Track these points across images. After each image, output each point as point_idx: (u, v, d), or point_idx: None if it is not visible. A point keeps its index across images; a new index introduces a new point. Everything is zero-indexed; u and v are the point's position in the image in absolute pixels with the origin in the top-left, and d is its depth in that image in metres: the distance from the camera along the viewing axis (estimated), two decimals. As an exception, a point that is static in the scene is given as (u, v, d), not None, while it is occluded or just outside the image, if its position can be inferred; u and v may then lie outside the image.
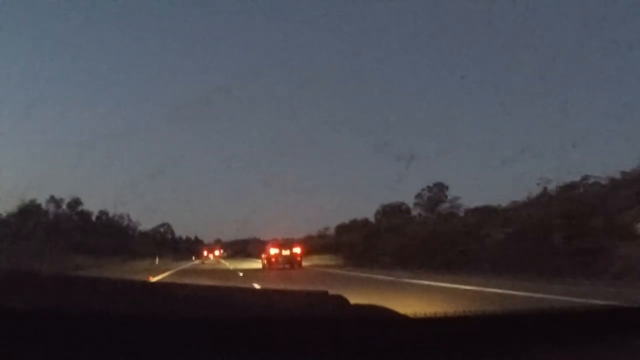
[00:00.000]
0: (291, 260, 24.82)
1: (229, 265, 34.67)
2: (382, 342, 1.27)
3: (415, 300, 9.61)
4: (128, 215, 58.05)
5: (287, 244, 26.74)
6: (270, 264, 25.12)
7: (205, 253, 62.54)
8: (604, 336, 1.45)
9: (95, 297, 1.32)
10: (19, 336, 1.18)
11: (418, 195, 46.26)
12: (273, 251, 25.41)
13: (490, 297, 9.94)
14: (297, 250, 25.62)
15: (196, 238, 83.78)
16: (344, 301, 1.41)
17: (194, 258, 60.47)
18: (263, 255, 27.58)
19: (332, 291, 1.45)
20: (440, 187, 45.84)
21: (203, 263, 46.47)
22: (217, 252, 66.20)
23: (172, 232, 72.31)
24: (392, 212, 45.89)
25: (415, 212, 45.95)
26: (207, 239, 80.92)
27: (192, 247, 71.07)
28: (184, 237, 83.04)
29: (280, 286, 15.99)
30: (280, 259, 24.91)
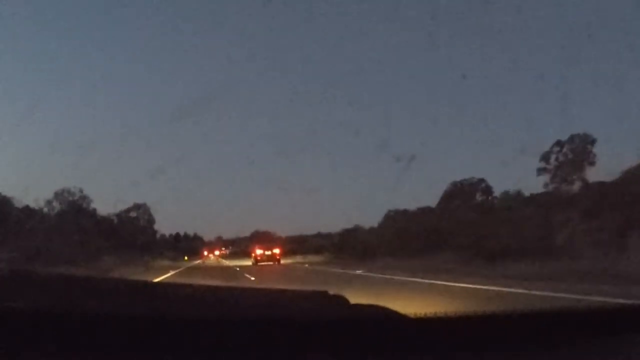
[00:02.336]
0: (272, 258, 33.26)
1: (229, 263, 41.21)
2: (381, 342, 1.27)
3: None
4: (81, 191, 37.12)
5: (269, 246, 35.43)
6: (257, 261, 33.32)
7: (205, 253, 61.85)
8: (603, 336, 1.45)
9: (95, 297, 1.32)
10: (19, 336, 1.18)
11: (544, 156, 27.11)
12: (259, 252, 34.23)
13: None
14: (276, 250, 34.31)
15: (195, 235, 74.10)
16: (344, 301, 1.41)
17: (186, 258, 53.45)
18: (252, 255, 35.79)
19: (331, 291, 1.45)
20: (584, 141, 26.43)
21: (204, 263, 45.91)
22: (217, 252, 65.91)
23: (150, 218, 48.06)
24: (467, 193, 30.97)
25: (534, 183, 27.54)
26: (207, 236, 78.80)
27: (190, 245, 64.32)
28: (182, 233, 72.19)
29: (261, 273, 20.84)
30: (264, 257, 33.53)
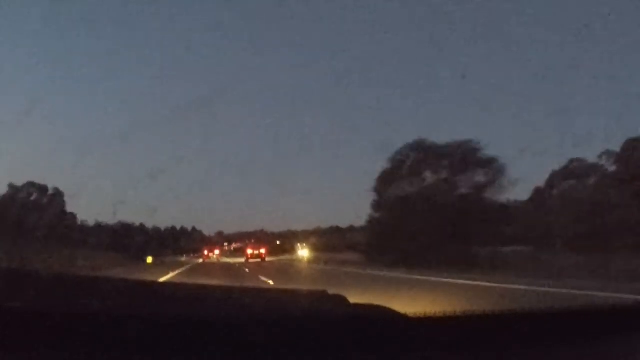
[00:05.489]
0: (260, 257, 44.31)
1: (229, 260, 49.60)
2: (381, 341, 1.27)
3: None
4: None
5: (257, 247, 47.53)
6: (247, 259, 44.24)
7: (206, 252, 61.12)
8: (604, 336, 1.45)
9: (96, 297, 1.32)
10: (19, 336, 1.18)
11: None
12: (249, 251, 46.07)
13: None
14: (262, 250, 45.52)
15: (194, 229, 68.69)
16: (344, 300, 1.41)
17: (149, 260, 36.46)
18: (245, 253, 47.53)
19: (331, 291, 1.45)
20: None
21: (204, 262, 45.73)
22: (217, 252, 65.60)
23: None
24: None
25: None
26: (208, 231, 76.85)
27: (185, 242, 60.64)
28: (178, 227, 66.33)
29: (249, 264, 28.20)
30: (254, 255, 44.64)
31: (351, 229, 55.25)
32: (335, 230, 56.64)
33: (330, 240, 50.54)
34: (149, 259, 36.46)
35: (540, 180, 27.03)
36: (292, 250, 53.44)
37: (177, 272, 18.56)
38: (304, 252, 46.13)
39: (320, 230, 56.33)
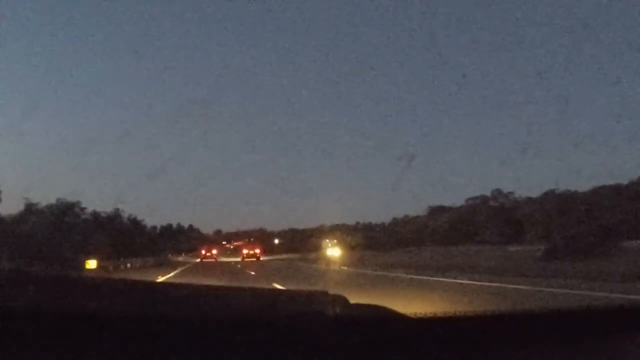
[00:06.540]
0: (254, 256, 49.26)
1: (227, 259, 53.09)
2: (382, 342, 1.27)
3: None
4: None
5: (252, 247, 52.81)
6: (243, 258, 49.06)
7: (203, 252, 60.22)
8: (604, 336, 1.45)
9: (95, 297, 1.32)
10: (19, 336, 1.18)
11: None
12: (245, 251, 51.63)
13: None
14: (257, 250, 50.78)
15: (191, 227, 66.08)
16: (344, 301, 1.41)
17: (91, 264, 23.31)
18: (241, 253, 53.17)
19: (332, 291, 1.45)
20: None
21: (201, 262, 45.46)
22: (214, 251, 65.05)
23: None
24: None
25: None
26: (206, 229, 76.33)
27: (176, 242, 60.24)
28: (174, 225, 63.13)
29: (244, 261, 34.72)
30: (249, 255, 49.56)
31: (357, 227, 55.82)
32: (341, 228, 56.34)
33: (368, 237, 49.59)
34: (90, 264, 22.65)
35: None
36: (295, 249, 53.97)
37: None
38: (333, 251, 34.05)
39: (324, 228, 56.02)
